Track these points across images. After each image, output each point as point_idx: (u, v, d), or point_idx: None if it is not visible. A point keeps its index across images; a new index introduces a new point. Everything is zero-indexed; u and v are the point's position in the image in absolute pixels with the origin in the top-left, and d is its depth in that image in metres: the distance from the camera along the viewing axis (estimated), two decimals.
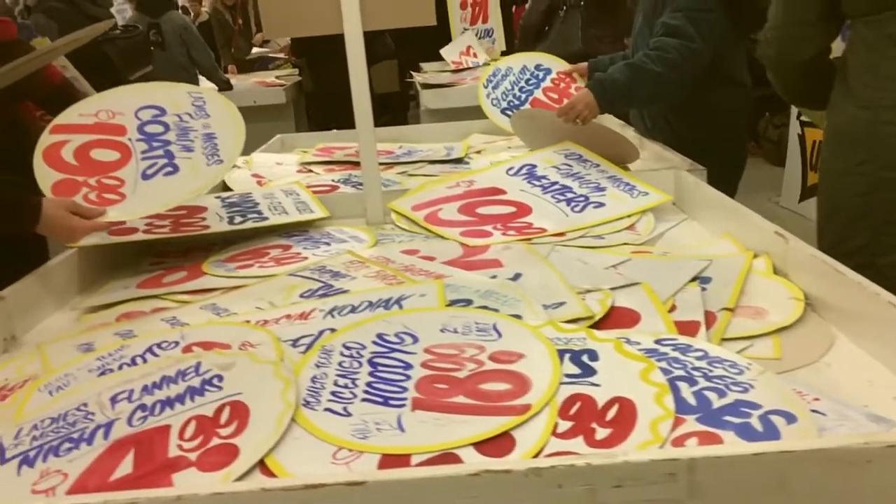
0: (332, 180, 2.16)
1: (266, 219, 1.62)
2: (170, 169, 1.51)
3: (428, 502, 0.61)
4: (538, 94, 2.56)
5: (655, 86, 1.86)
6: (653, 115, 2.16)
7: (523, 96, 2.55)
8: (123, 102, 1.61)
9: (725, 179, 1.89)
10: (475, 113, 3.71)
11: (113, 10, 4.61)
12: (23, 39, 2.42)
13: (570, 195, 1.66)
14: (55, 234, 1.33)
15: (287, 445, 0.80)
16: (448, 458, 0.75)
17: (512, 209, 1.62)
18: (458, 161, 2.34)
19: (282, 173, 2.30)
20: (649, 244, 1.45)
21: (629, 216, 1.56)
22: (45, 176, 1.42)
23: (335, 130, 3.09)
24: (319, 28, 1.52)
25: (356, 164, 2.44)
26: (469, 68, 5.09)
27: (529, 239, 1.46)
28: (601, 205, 1.61)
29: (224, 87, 5.34)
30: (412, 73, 5.58)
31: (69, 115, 1.58)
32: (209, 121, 1.61)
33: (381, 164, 2.38)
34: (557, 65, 2.63)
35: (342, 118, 5.23)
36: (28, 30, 2.69)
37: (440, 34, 6.20)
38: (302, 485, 0.62)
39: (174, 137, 1.57)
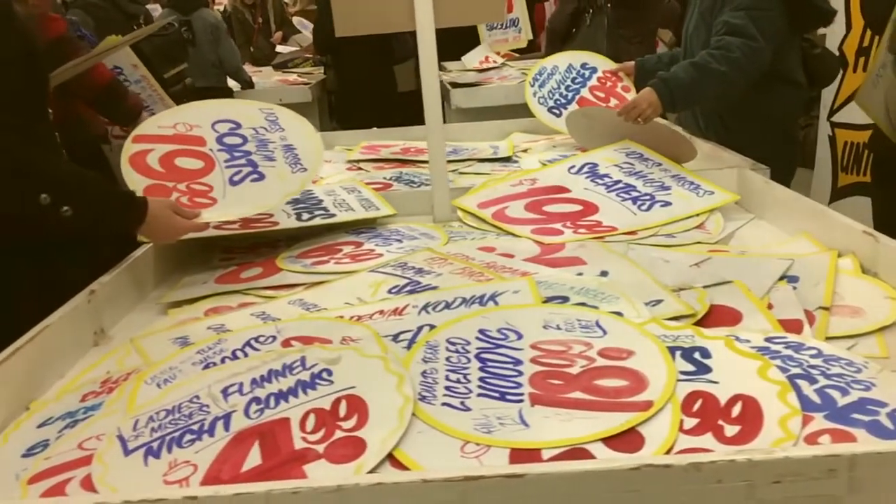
0: (384, 178, 2.16)
1: (333, 216, 1.63)
2: (255, 176, 1.55)
3: (588, 495, 0.62)
4: (585, 92, 2.56)
5: (719, 85, 1.86)
6: (706, 115, 2.16)
7: (570, 95, 2.55)
8: (198, 116, 1.64)
9: (779, 179, 1.88)
10: (504, 112, 3.73)
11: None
12: (72, 36, 2.44)
13: (634, 194, 1.66)
14: (156, 233, 1.33)
15: (412, 439, 0.81)
16: (577, 453, 0.76)
17: (578, 207, 1.62)
18: (507, 160, 2.34)
19: (332, 171, 2.31)
20: (723, 243, 1.45)
21: (697, 215, 1.57)
22: (135, 181, 1.43)
23: (375, 129, 3.10)
24: (391, 26, 1.52)
25: (404, 162, 2.46)
26: (494, 67, 5.09)
27: (602, 237, 1.46)
28: (668, 203, 1.61)
29: (247, 86, 5.37)
30: (444, 68, 5.59)
31: (148, 127, 1.61)
32: (285, 133, 1.65)
33: (426, 162, 2.40)
34: (603, 63, 2.63)
35: (367, 116, 5.28)
36: (75, 26, 2.70)
37: (461, 32, 6.22)
38: (461, 476, 0.62)
39: (254, 148, 1.60)
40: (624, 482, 0.61)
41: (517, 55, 5.38)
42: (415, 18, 1.50)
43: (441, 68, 5.65)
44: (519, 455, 0.76)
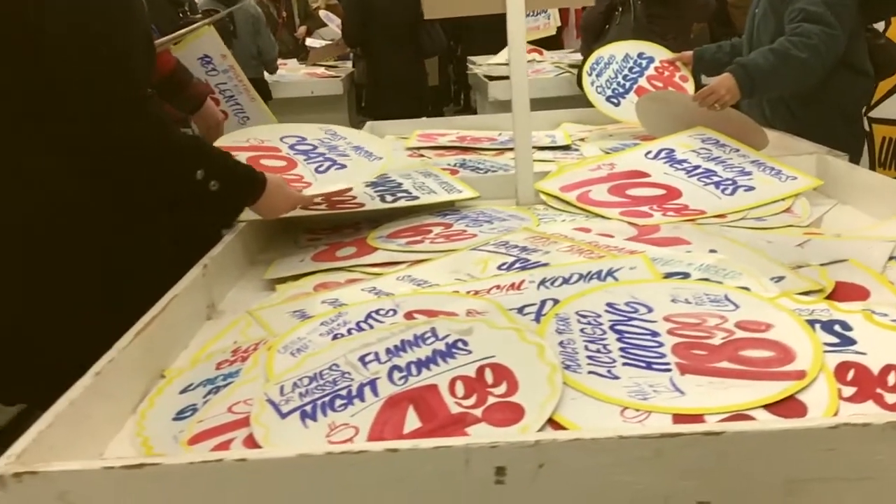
0: (448, 164, 2.17)
1: (416, 198, 1.64)
2: (338, 166, 1.62)
3: (785, 454, 0.63)
4: (642, 82, 2.56)
5: (798, 72, 1.86)
6: (773, 103, 2.16)
7: (627, 84, 2.55)
8: (264, 133, 1.73)
9: None
10: (540, 104, 3.72)
11: None
12: (184, 67, 2.40)
13: (716, 179, 1.66)
14: (271, 206, 1.36)
15: (567, 405, 0.81)
16: (741, 420, 0.76)
17: (662, 192, 1.63)
18: (566, 148, 2.35)
19: (396, 157, 2.32)
20: (814, 227, 1.46)
21: (783, 199, 1.57)
22: None
23: (425, 118, 3.11)
24: (480, 8, 1.53)
25: (463, 150, 2.47)
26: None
27: (694, 220, 1.47)
28: (751, 188, 1.62)
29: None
30: (471, 63, 5.60)
31: (224, 141, 1.70)
32: (348, 140, 1.76)
33: (489, 149, 2.41)
34: (660, 53, 2.63)
35: (397, 109, 5.28)
36: None
37: (493, 27, 6.23)
38: (658, 433, 0.63)
39: (326, 151, 1.70)
40: (822, 440, 0.62)
41: (542, 50, 5.39)
42: (505, 1, 1.51)
43: (469, 63, 5.68)
44: (682, 420, 0.77)
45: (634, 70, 2.59)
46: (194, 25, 2.35)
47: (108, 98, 1.18)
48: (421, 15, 6.83)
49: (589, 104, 3.26)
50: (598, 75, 2.59)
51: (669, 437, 0.63)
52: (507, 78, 4.89)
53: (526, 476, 0.64)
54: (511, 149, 2.40)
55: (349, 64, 6.65)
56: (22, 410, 1.87)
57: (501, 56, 5.19)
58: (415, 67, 5.52)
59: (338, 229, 1.60)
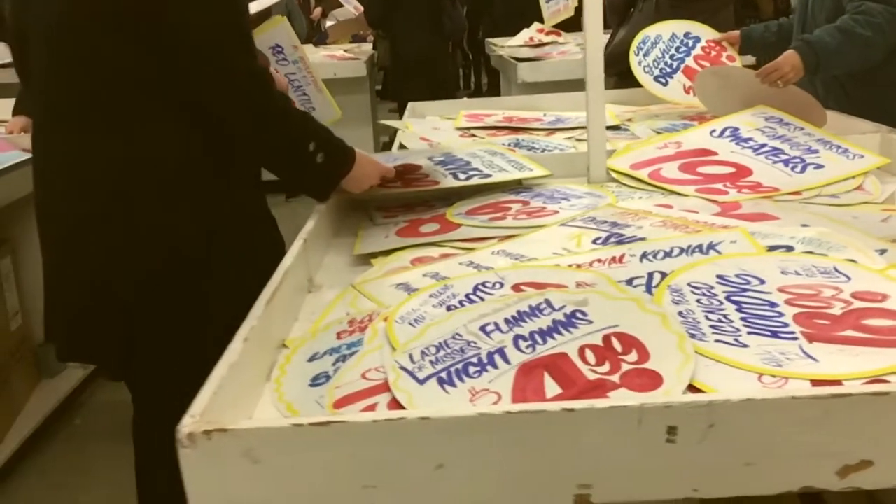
0: (503, 144, 2.19)
1: (489, 176, 1.66)
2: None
3: None
4: (689, 61, 2.57)
5: (863, 50, 1.87)
6: (827, 83, 2.16)
7: (675, 64, 2.56)
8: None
9: None
10: (568, 86, 3.74)
11: None
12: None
13: (783, 157, 1.68)
14: (359, 177, 1.42)
15: (702, 372, 0.84)
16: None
17: (732, 169, 1.64)
18: (616, 128, 2.36)
19: (445, 137, 2.34)
20: (888, 203, 1.47)
21: (853, 177, 1.58)
22: None
23: (465, 98, 3.12)
24: None
25: (512, 130, 2.49)
26: (547, 44, 5.09)
27: (770, 197, 1.49)
28: (820, 166, 1.63)
29: None
30: (493, 45, 5.59)
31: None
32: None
33: (539, 129, 2.42)
34: (707, 33, 2.64)
35: (421, 90, 5.28)
36: None
37: (513, 9, 6.22)
38: (828, 394, 0.65)
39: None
40: None
41: (561, 32, 5.38)
42: None
43: (491, 45, 5.67)
44: (820, 385, 0.79)
45: (681, 50, 2.59)
46: (271, 25, 2.39)
47: (231, 70, 1.25)
48: None
49: (618, 84, 3.28)
50: (644, 55, 2.59)
51: (839, 398, 0.65)
52: (533, 60, 4.88)
53: (696, 435, 0.66)
54: (560, 129, 2.43)
55: (366, 46, 6.65)
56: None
57: (520, 38, 5.19)
58: (438, 49, 5.52)
59: (410, 206, 1.62)
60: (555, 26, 5.56)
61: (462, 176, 1.65)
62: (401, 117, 6.36)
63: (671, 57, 2.57)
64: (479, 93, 9.85)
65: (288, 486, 0.68)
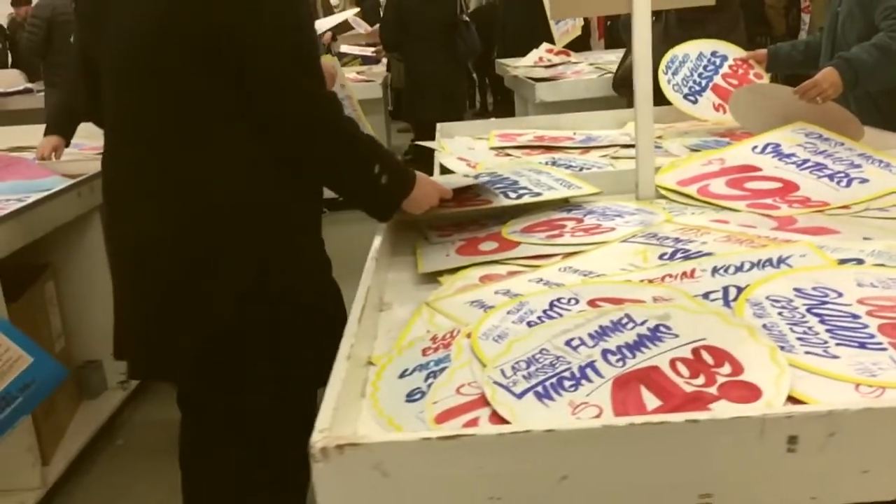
0: (539, 162, 2.22)
1: (539, 194, 1.68)
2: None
3: None
4: (718, 80, 2.60)
5: None
6: (858, 98, 2.19)
7: (703, 82, 2.60)
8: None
9: None
10: (586, 105, 3.78)
11: None
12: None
13: (828, 172, 1.70)
14: (419, 199, 1.45)
15: (798, 383, 0.85)
16: None
17: (778, 185, 1.66)
18: None
19: (481, 157, 2.37)
20: None
21: None
22: None
23: (493, 119, 3.16)
24: (607, 8, 1.57)
25: (546, 149, 2.52)
26: (560, 63, 5.14)
27: (822, 211, 1.51)
28: (865, 180, 1.65)
29: None
30: (506, 66, 5.65)
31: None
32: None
33: (572, 148, 2.45)
34: (733, 52, 2.68)
35: (436, 111, 5.33)
36: None
37: (524, 29, 6.30)
38: None
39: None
40: None
41: (570, 52, 5.43)
42: (630, 1, 1.55)
43: (502, 66, 5.71)
44: None
45: (709, 68, 2.63)
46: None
47: (299, 95, 1.28)
48: (456, 18, 6.89)
49: (632, 104, 3.33)
50: (673, 73, 2.63)
51: None
52: (548, 80, 4.91)
53: (816, 444, 0.68)
54: (594, 147, 2.46)
55: (378, 69, 6.72)
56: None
57: (530, 59, 5.25)
58: (451, 70, 5.58)
59: (462, 226, 1.64)
60: (564, 47, 5.63)
61: (513, 195, 1.68)
62: (416, 137, 6.38)
63: (699, 75, 2.61)
64: (484, 112, 9.95)
65: (415, 499, 0.69)
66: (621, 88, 3.98)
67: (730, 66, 2.63)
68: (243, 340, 1.32)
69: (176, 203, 1.32)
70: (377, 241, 1.36)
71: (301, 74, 1.32)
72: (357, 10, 8.65)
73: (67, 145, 2.72)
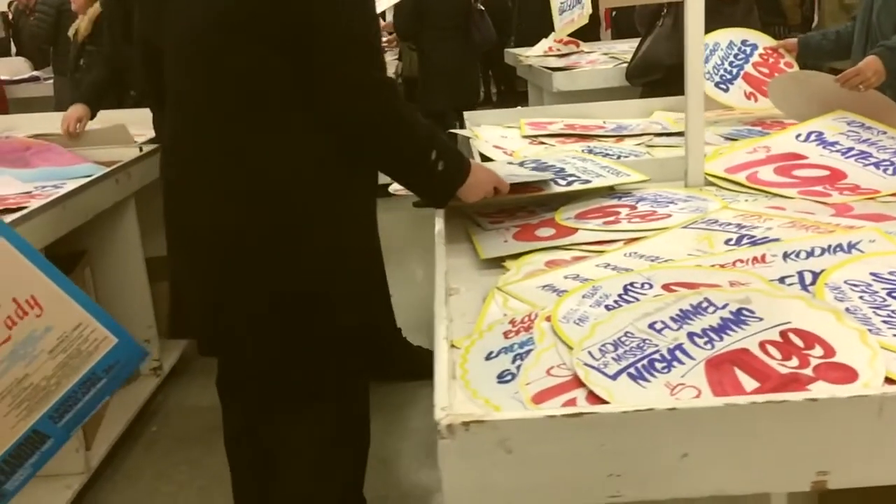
0: (576, 150, 2.22)
1: (588, 182, 1.69)
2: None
3: None
4: (748, 68, 2.61)
5: None
6: (894, 87, 2.20)
7: (734, 70, 2.60)
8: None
9: None
10: (602, 95, 3.79)
11: None
12: None
13: (873, 160, 1.71)
14: (475, 186, 1.45)
15: (892, 364, 0.87)
16: None
17: (826, 172, 1.68)
18: (679, 135, 2.39)
19: (515, 146, 2.37)
20: None
21: None
22: None
23: (519, 107, 3.16)
24: None
25: (580, 137, 2.52)
26: (573, 53, 5.13)
27: (873, 198, 1.52)
28: None
29: None
30: (518, 56, 5.63)
31: None
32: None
33: (607, 136, 2.46)
34: (763, 40, 2.69)
35: (450, 101, 5.32)
36: None
37: (536, 18, 6.27)
38: None
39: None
40: None
41: (580, 42, 5.42)
42: None
43: (514, 56, 5.70)
44: None
45: (739, 57, 2.63)
46: None
47: (361, 81, 1.29)
48: (471, 7, 6.85)
49: (645, 94, 3.34)
50: (704, 62, 2.63)
51: None
52: (563, 69, 4.90)
53: None
54: (628, 135, 2.46)
55: (389, 57, 6.70)
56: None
57: (539, 48, 5.23)
58: (466, 60, 5.57)
59: (511, 213, 1.65)
60: (572, 36, 5.61)
61: (562, 182, 1.69)
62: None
63: (730, 64, 2.62)
64: (489, 102, 9.94)
65: (538, 475, 0.70)
66: (634, 79, 3.99)
67: (760, 55, 2.64)
68: (310, 317, 1.34)
69: (241, 187, 1.33)
70: (439, 226, 1.37)
71: (370, 64, 1.33)
72: None
73: (92, 118, 2.75)
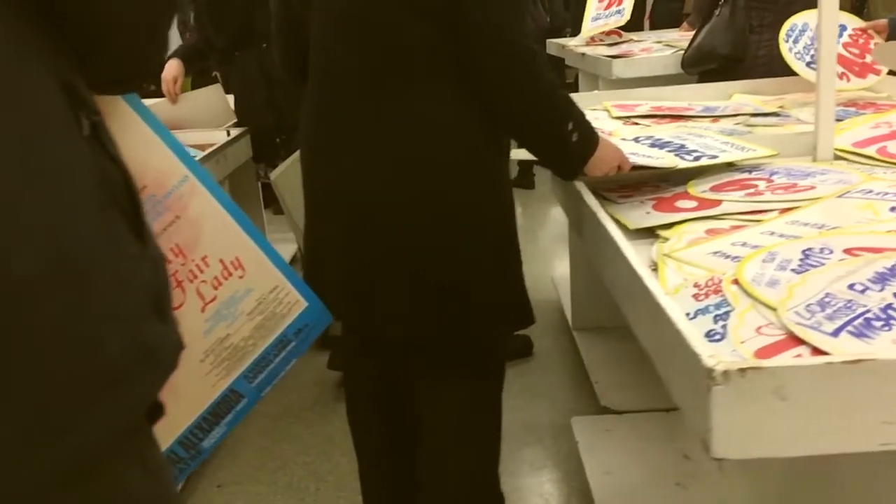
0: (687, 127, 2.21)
1: (716, 157, 1.68)
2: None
3: None
4: (839, 49, 2.58)
5: None
6: None
7: None
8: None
9: None
10: (659, 81, 3.77)
11: None
12: None
13: None
14: (598, 163, 1.43)
15: None
16: None
17: None
18: (774, 115, 2.38)
19: (614, 126, 2.36)
20: None
21: None
22: None
23: (597, 91, 3.15)
24: None
25: (673, 118, 2.51)
26: (624, 42, 5.10)
27: None
28: None
29: None
30: (562, 45, 5.60)
31: None
32: None
33: (701, 117, 2.44)
34: (851, 21, 2.66)
35: None
36: None
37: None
38: None
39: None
40: None
41: (622, 32, 5.38)
42: None
43: (560, 46, 5.67)
44: None
45: None
46: None
47: (512, 48, 1.29)
48: None
49: (704, 79, 3.32)
50: (794, 42, 2.62)
51: None
52: (620, 57, 4.88)
53: None
54: (723, 116, 2.45)
55: None
56: None
57: (581, 38, 5.21)
58: None
59: (638, 187, 1.65)
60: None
61: (689, 157, 1.68)
62: None
63: None
64: None
65: (811, 423, 0.71)
66: (690, 67, 3.97)
67: (850, 36, 2.61)
68: (467, 287, 1.35)
69: (388, 154, 1.33)
70: (590, 200, 1.37)
71: (518, 32, 1.32)
72: None
73: (186, 76, 2.85)
